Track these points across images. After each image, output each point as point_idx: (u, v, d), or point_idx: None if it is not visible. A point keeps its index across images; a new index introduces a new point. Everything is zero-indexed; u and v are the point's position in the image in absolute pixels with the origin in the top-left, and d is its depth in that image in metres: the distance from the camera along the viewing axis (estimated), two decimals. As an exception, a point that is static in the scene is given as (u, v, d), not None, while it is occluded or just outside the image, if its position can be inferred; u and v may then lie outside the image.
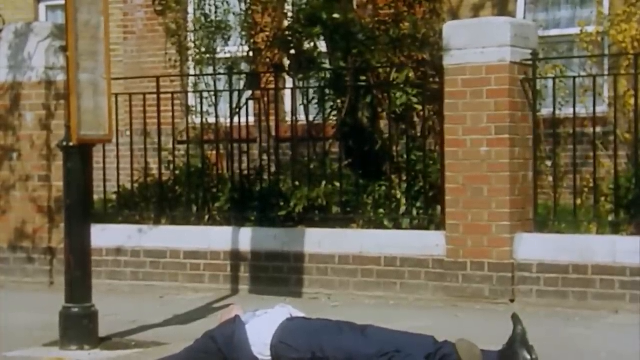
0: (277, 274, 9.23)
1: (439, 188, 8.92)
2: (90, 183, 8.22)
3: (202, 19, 10.89)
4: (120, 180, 10.29)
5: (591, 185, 8.73)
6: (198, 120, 10.35)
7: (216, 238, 9.49)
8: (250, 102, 10.08)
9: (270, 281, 9.22)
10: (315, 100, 10.07)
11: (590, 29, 10.26)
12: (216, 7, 10.87)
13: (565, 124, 9.37)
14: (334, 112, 10.21)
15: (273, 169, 9.91)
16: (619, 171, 8.54)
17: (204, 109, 10.21)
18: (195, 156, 10.26)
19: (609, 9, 11.01)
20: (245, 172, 9.95)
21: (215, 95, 10.36)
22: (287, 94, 11.00)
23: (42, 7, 15.24)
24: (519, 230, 8.42)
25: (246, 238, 9.36)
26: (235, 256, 9.41)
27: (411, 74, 9.70)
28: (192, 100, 11.35)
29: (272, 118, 10.00)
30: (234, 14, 10.94)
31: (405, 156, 9.41)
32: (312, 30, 10.05)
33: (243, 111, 9.99)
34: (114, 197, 10.42)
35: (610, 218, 8.44)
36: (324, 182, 9.43)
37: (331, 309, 8.26)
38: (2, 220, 10.13)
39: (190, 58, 11.19)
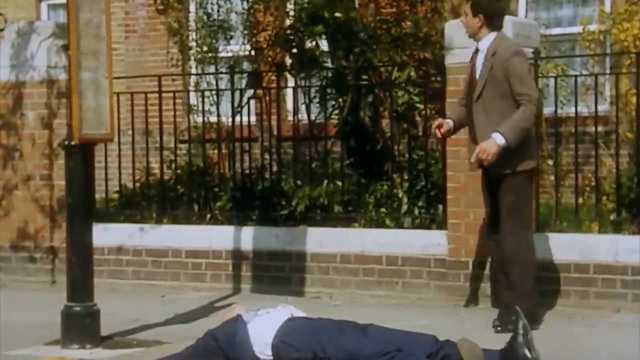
0: (278, 273, 9.23)
1: (440, 187, 8.91)
2: (92, 182, 8.25)
3: (204, 17, 10.91)
4: (121, 180, 10.30)
5: (593, 184, 8.72)
6: (200, 119, 10.35)
7: (218, 237, 9.49)
8: (252, 101, 10.08)
9: (271, 280, 9.23)
10: (317, 99, 10.08)
11: (592, 27, 10.26)
12: (218, 6, 10.88)
13: (567, 123, 9.37)
14: (336, 111, 10.22)
15: (275, 168, 9.91)
16: (621, 170, 8.53)
17: (206, 108, 10.22)
18: (196, 155, 10.26)
19: (611, 8, 11.02)
20: (247, 171, 9.96)
21: (217, 94, 10.37)
22: (289, 93, 11.02)
23: (43, 5, 15.27)
24: (520, 229, 8.40)
25: (248, 237, 9.36)
26: (237, 255, 9.41)
27: (413, 73, 9.70)
28: (193, 99, 11.35)
29: (274, 117, 10.00)
30: (236, 12, 10.95)
31: (407, 155, 9.41)
32: (314, 29, 10.05)
33: (245, 110, 9.98)
34: (115, 196, 10.42)
35: (612, 217, 8.43)
36: (325, 181, 9.43)
37: (333, 308, 8.26)
38: (4, 220, 10.13)
39: (192, 57, 11.20)
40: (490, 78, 7.11)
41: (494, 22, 7.26)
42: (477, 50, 7.32)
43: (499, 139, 6.93)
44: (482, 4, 7.27)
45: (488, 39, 7.23)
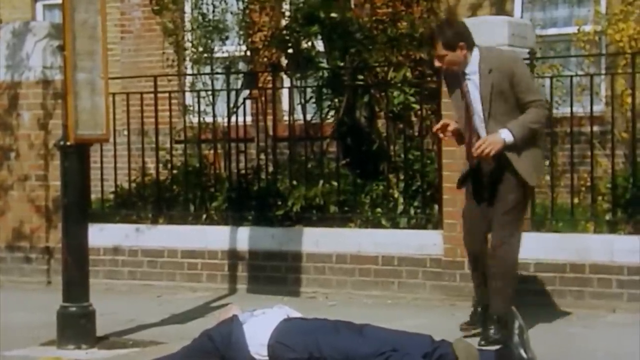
0: (274, 273, 9.23)
1: (436, 187, 8.92)
2: (88, 182, 8.23)
3: (200, 18, 10.89)
4: (117, 180, 10.29)
5: (588, 184, 8.73)
6: (195, 120, 10.34)
7: (214, 237, 9.49)
8: (248, 102, 10.08)
9: (267, 280, 9.23)
10: (313, 100, 10.07)
11: (588, 28, 10.28)
12: (213, 7, 10.87)
13: (562, 123, 9.37)
14: (332, 112, 10.21)
15: (270, 169, 9.91)
16: (617, 170, 8.54)
17: (202, 109, 10.21)
18: (192, 155, 10.26)
19: (606, 8, 11.03)
20: (243, 172, 9.96)
21: (213, 95, 10.36)
22: (285, 93, 11.00)
23: (39, 6, 15.24)
24: (516, 229, 8.40)
25: (244, 237, 9.36)
26: (233, 255, 9.41)
27: (409, 73, 9.71)
28: (189, 99, 11.34)
29: (270, 117, 9.99)
30: (231, 13, 10.94)
31: (402, 155, 9.41)
32: (309, 29, 10.05)
33: (240, 110, 9.98)
34: (111, 196, 10.42)
35: (608, 217, 8.44)
36: (321, 182, 9.43)
37: (328, 308, 8.26)
38: (-1, 220, 10.14)
39: (188, 57, 11.19)
40: (495, 95, 6.79)
41: (470, 41, 6.89)
42: (463, 75, 6.88)
43: (506, 135, 6.71)
44: (460, 32, 6.87)
45: (474, 60, 6.85)
